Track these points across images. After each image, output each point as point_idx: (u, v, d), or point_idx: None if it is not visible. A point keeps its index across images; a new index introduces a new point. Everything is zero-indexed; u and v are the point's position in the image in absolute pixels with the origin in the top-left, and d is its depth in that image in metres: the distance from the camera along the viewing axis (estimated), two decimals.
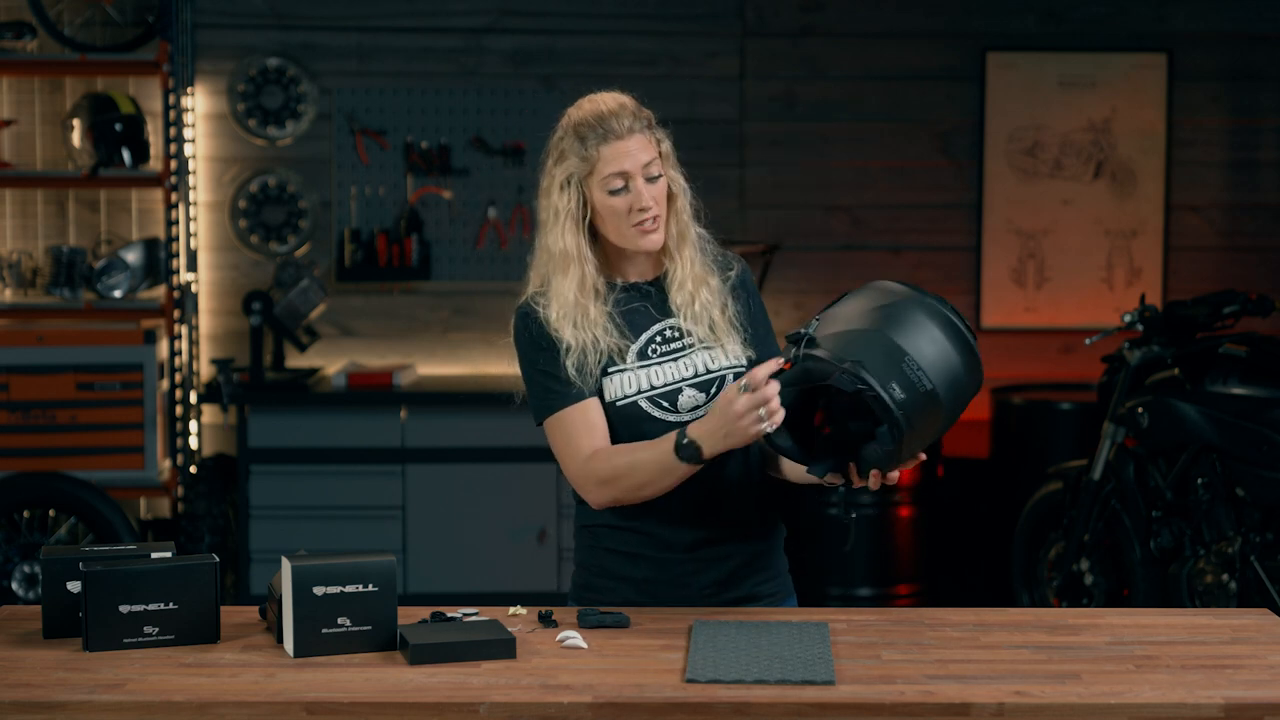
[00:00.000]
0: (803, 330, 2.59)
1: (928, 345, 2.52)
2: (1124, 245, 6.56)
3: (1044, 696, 2.27)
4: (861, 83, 6.48)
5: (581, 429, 2.77)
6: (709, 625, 2.60)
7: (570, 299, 2.78)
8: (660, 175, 2.78)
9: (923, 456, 2.63)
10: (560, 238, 2.79)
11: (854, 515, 2.76)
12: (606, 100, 2.79)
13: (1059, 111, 6.52)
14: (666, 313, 2.83)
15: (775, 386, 2.55)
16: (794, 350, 2.57)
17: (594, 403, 2.78)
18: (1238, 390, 4.90)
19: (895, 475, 2.62)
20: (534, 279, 2.84)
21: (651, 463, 2.68)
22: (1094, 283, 6.56)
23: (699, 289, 2.82)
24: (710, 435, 2.61)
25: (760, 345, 2.89)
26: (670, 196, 2.81)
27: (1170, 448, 5.07)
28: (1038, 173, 6.55)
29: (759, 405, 2.55)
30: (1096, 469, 5.21)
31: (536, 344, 2.81)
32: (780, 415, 2.56)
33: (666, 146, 2.82)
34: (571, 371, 2.77)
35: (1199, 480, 4.98)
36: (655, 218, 2.77)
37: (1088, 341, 5.44)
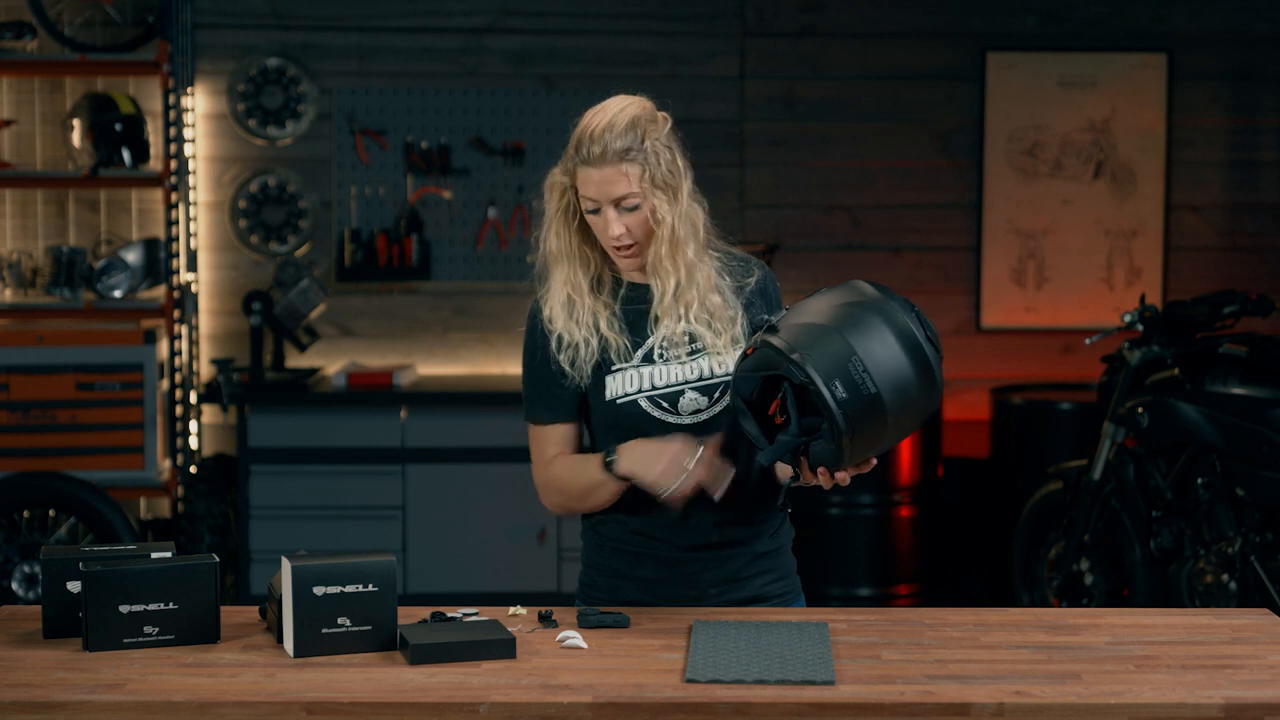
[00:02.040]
0: (768, 318, 2.62)
1: (879, 349, 2.51)
2: (1124, 245, 6.56)
3: (1044, 696, 2.27)
4: (861, 83, 6.48)
5: (551, 442, 2.83)
6: (709, 625, 2.60)
7: (562, 296, 2.80)
8: (637, 206, 2.72)
9: (873, 462, 2.60)
10: (549, 238, 2.82)
11: (789, 510, 2.77)
12: (602, 119, 2.73)
13: (1059, 111, 6.52)
14: (674, 317, 2.82)
15: (721, 472, 2.64)
16: (756, 335, 2.60)
17: (573, 425, 2.83)
18: (1238, 390, 4.90)
19: (844, 476, 2.60)
20: (538, 271, 2.87)
21: (585, 474, 2.76)
22: (1094, 283, 6.56)
23: (688, 314, 2.77)
24: (636, 456, 2.67)
25: None
26: (657, 222, 2.74)
27: (1170, 448, 5.07)
28: (1038, 173, 6.55)
29: (687, 459, 2.62)
30: (1096, 469, 5.21)
31: (530, 350, 2.84)
32: (687, 489, 2.64)
33: (658, 172, 2.72)
34: (565, 365, 2.79)
35: (1199, 480, 4.98)
36: (630, 246, 2.75)
37: (1088, 341, 5.44)
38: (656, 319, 2.80)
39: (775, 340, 2.55)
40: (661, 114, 2.79)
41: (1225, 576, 4.89)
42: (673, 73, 6.33)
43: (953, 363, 6.54)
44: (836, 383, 2.47)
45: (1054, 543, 5.42)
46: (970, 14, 6.48)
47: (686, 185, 2.78)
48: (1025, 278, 6.56)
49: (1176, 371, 5.02)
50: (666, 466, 2.64)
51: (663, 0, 6.40)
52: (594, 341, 2.78)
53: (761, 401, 2.63)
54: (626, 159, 2.71)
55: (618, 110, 2.75)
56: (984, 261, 6.55)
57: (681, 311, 2.78)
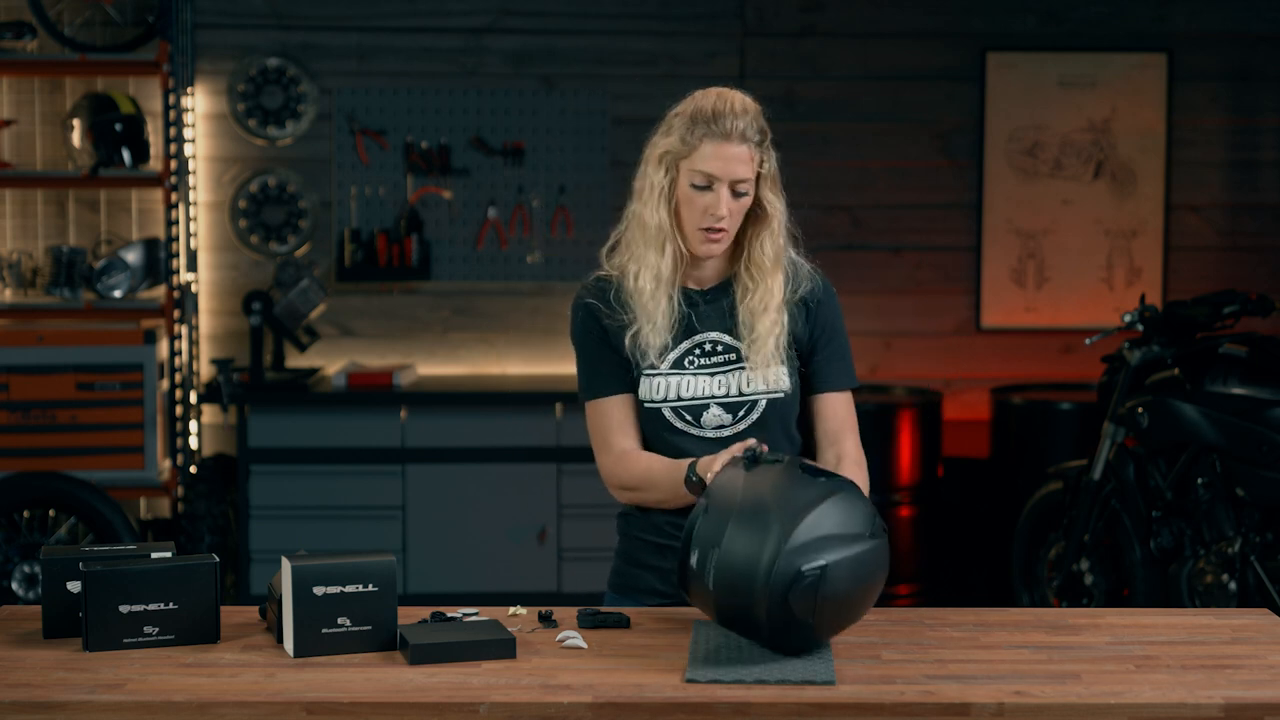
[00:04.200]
0: (765, 455, 2.52)
1: (743, 547, 2.40)
2: (1124, 245, 6.56)
3: (1044, 696, 2.27)
4: (861, 83, 6.48)
5: (616, 425, 2.82)
6: (709, 625, 2.60)
7: (667, 273, 2.78)
8: (748, 194, 2.75)
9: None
10: (655, 212, 2.78)
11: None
12: (736, 100, 2.76)
13: (1059, 111, 6.52)
14: (710, 325, 2.82)
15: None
16: (740, 458, 2.54)
17: (629, 398, 2.82)
18: (1238, 390, 4.90)
19: None
20: (621, 247, 2.83)
21: (664, 485, 2.75)
22: (1094, 283, 6.56)
23: (766, 315, 2.78)
24: (712, 472, 2.63)
25: (821, 371, 2.86)
26: (763, 218, 2.79)
27: (1170, 448, 5.07)
28: (1038, 173, 6.55)
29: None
30: (1096, 469, 5.21)
31: (585, 330, 2.83)
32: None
33: (770, 168, 2.79)
34: (648, 334, 2.76)
35: (1199, 480, 4.98)
36: (724, 230, 2.75)
37: (1088, 341, 5.44)
38: (741, 304, 2.80)
39: (731, 479, 2.50)
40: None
41: (1225, 576, 4.89)
42: (673, 73, 6.33)
43: (953, 362, 6.55)
44: (696, 550, 2.45)
45: (1054, 543, 5.42)
46: (970, 14, 6.48)
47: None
48: (1025, 278, 6.56)
49: (1176, 371, 5.02)
50: None
51: (663, 0, 6.40)
52: (664, 324, 2.77)
53: None
54: (756, 144, 2.75)
55: (744, 98, 2.78)
56: (984, 261, 6.55)
57: (761, 314, 2.77)
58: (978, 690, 2.29)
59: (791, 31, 6.45)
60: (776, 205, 2.81)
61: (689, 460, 2.71)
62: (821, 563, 2.36)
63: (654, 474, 2.77)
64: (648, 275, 2.78)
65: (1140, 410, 5.06)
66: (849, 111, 6.49)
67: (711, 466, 2.61)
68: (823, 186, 6.51)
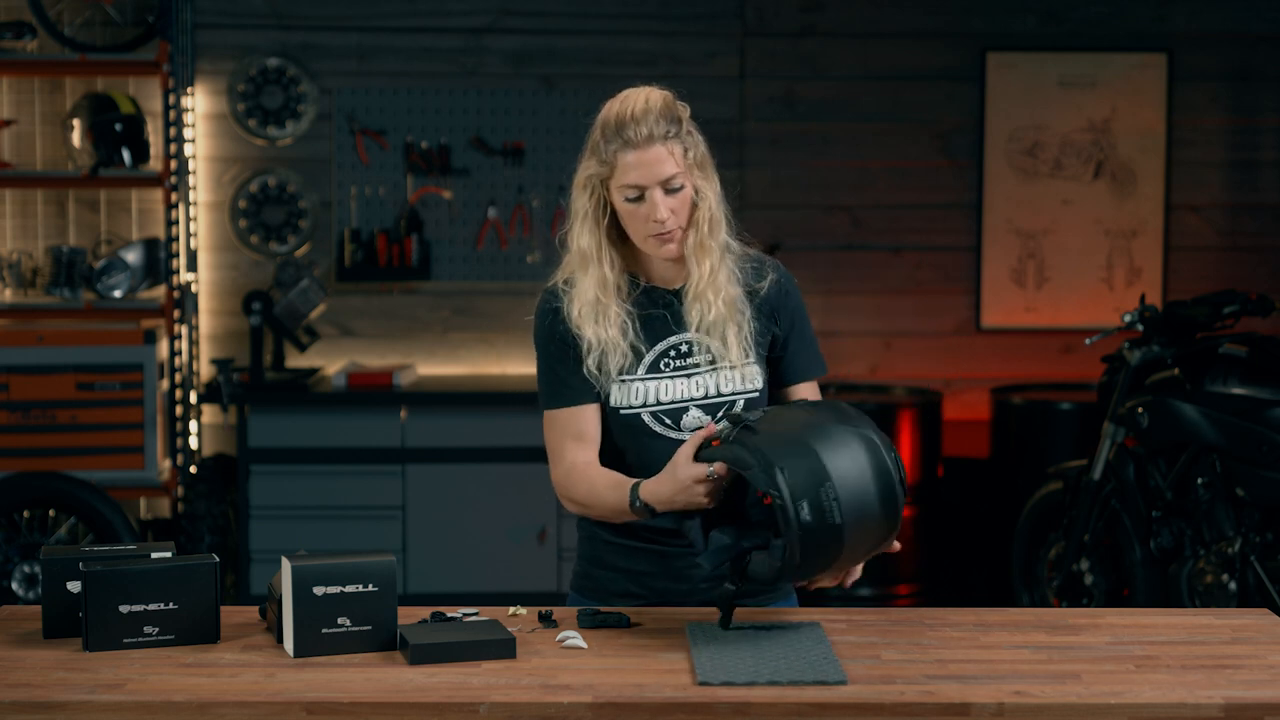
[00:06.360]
0: (746, 416, 2.51)
1: (854, 481, 2.40)
2: (1124, 245, 6.56)
3: (1044, 696, 2.27)
4: (861, 83, 6.48)
5: (571, 436, 2.79)
6: (705, 627, 2.60)
7: (591, 297, 2.75)
8: (683, 186, 2.72)
9: (811, 585, 2.57)
10: (581, 236, 2.76)
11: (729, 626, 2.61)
12: (637, 102, 2.72)
13: (1059, 111, 6.53)
14: (684, 326, 2.80)
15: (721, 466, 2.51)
16: (730, 430, 2.50)
17: (591, 410, 2.79)
18: (1238, 390, 4.90)
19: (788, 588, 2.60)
20: (564, 268, 2.82)
21: (610, 504, 2.72)
22: (1094, 283, 6.56)
23: (715, 301, 2.76)
24: (660, 499, 2.62)
25: (794, 361, 2.88)
26: (692, 206, 2.76)
27: (1170, 448, 5.07)
28: (1038, 173, 6.55)
29: (707, 476, 2.53)
30: (1096, 469, 5.21)
31: (549, 335, 2.80)
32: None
33: (697, 152, 2.75)
34: (592, 368, 2.75)
35: (1199, 480, 4.98)
36: (673, 229, 2.72)
37: (1088, 341, 5.44)
38: (684, 302, 2.78)
39: (750, 440, 2.45)
40: (679, 101, 2.79)
41: (1225, 576, 4.89)
42: (673, 73, 6.33)
43: (953, 362, 6.55)
44: (804, 504, 2.38)
45: (1054, 543, 5.42)
46: (970, 14, 6.48)
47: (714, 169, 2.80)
48: (1025, 278, 6.56)
49: (1176, 371, 5.02)
50: (691, 492, 2.56)
51: (663, 0, 6.41)
52: (623, 344, 2.75)
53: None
54: (670, 139, 2.71)
55: (647, 95, 2.74)
56: (984, 261, 6.55)
57: (711, 299, 2.76)
58: (978, 690, 2.29)
59: (791, 31, 6.45)
60: (705, 190, 2.76)
61: (633, 481, 2.67)
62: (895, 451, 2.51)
63: (599, 491, 2.73)
64: (581, 300, 2.76)
65: (1140, 410, 5.06)
66: (849, 111, 6.49)
67: (657, 489, 2.60)
68: (823, 186, 6.51)
